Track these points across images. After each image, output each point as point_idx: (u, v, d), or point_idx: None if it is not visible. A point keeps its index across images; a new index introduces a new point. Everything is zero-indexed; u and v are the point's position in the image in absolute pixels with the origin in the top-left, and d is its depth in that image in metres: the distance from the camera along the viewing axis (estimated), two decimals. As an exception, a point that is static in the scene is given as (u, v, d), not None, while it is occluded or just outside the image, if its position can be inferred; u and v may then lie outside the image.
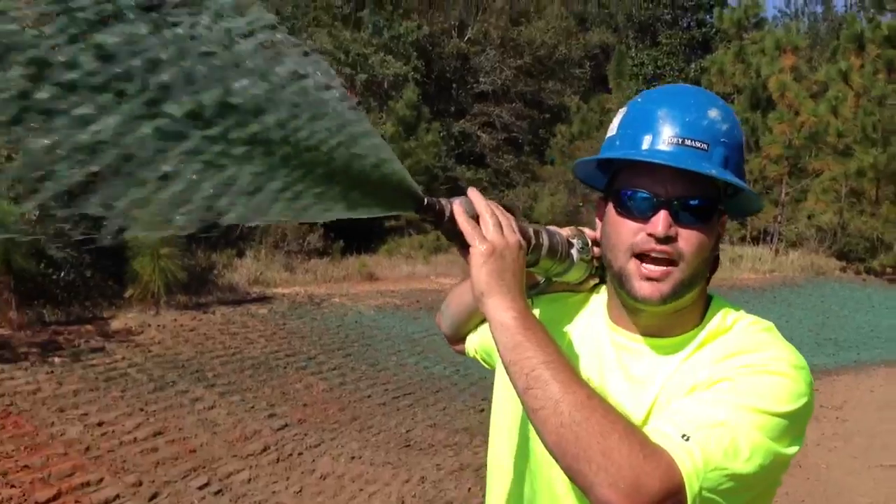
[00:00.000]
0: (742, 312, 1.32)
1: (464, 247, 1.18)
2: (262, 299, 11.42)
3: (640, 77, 29.01)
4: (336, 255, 16.24)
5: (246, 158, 0.89)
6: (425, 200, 1.14)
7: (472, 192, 1.22)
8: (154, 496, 5.32)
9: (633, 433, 1.05)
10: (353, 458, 6.40)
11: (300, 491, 5.70)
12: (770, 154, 21.77)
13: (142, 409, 6.79)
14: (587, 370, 1.35)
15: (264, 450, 6.35)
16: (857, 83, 20.86)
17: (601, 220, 1.37)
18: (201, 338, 9.11)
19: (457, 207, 1.17)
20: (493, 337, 1.15)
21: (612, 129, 1.33)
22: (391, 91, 22.70)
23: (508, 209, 1.26)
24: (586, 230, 1.45)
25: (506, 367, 1.13)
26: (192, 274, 10.90)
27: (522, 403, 1.11)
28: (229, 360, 8.53)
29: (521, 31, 29.10)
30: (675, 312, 1.29)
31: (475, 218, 1.18)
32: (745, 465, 1.08)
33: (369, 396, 8.10)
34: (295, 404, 7.57)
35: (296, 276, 13.77)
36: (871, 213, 20.87)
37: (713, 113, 1.26)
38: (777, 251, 21.74)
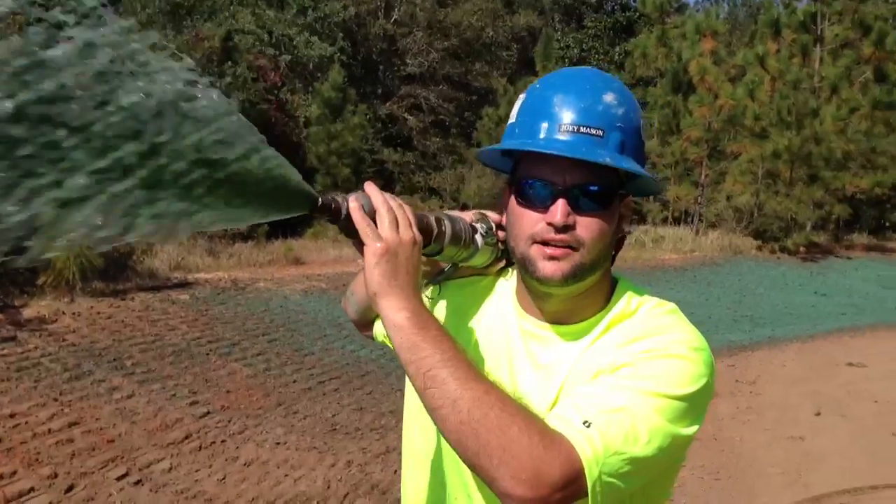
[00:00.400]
0: (646, 296, 1.34)
1: (361, 244, 1.17)
2: (184, 285, 11.21)
3: (567, 60, 29.29)
4: (261, 239, 16.03)
5: (106, 175, 0.85)
6: (319, 200, 1.13)
7: (369, 187, 1.21)
8: (70, 488, 5.20)
9: (532, 424, 1.07)
10: (277, 443, 6.36)
11: (224, 479, 5.64)
12: (691, 136, 22.28)
13: (56, 400, 6.61)
14: (496, 358, 1.37)
15: (186, 438, 6.26)
16: (774, 67, 21.48)
17: (506, 207, 1.37)
18: (119, 325, 8.91)
19: (353, 204, 1.16)
20: (389, 337, 1.15)
21: (513, 116, 1.33)
22: (317, 73, 22.44)
23: (449, 204, 1.25)
24: (489, 213, 1.44)
25: (404, 367, 1.13)
26: (110, 260, 10.61)
27: (422, 402, 1.11)
28: (149, 347, 8.36)
29: (447, 13, 29.07)
30: (580, 297, 1.30)
31: (372, 214, 1.17)
32: (644, 448, 1.11)
33: (294, 381, 8.04)
34: (218, 391, 7.47)
35: (219, 260, 13.54)
36: (785, 193, 21.54)
37: (608, 97, 1.26)
38: (698, 232, 22.29)
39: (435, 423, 1.11)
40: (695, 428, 1.20)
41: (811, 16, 22.92)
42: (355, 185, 18.84)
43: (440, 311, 1.50)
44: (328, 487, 5.60)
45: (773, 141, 20.71)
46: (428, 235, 1.28)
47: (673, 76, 23.52)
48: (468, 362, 1.12)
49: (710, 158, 22.92)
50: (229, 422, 6.71)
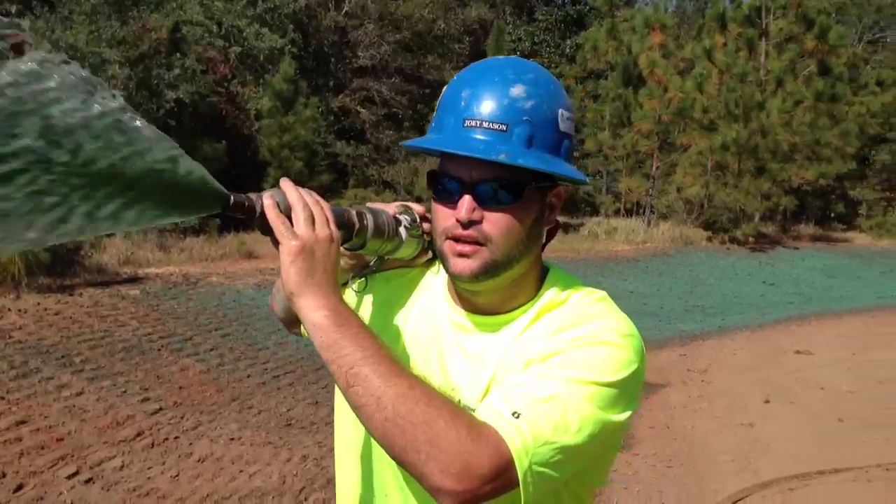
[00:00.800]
0: (577, 285, 1.36)
1: (277, 243, 1.16)
2: (134, 280, 11.01)
3: (518, 52, 29.34)
4: (213, 233, 15.81)
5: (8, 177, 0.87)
6: (231, 198, 1.11)
7: (285, 183, 1.19)
8: (19, 487, 5.08)
9: (458, 417, 1.07)
10: (232, 439, 6.29)
11: (177, 475, 5.57)
12: (642, 129, 22.53)
13: (3, 398, 6.45)
14: (426, 350, 1.36)
15: (138, 435, 6.16)
16: (721, 61, 21.83)
17: None
18: (67, 321, 8.72)
19: (267, 202, 1.14)
20: (309, 336, 1.14)
21: (437, 108, 1.33)
22: (267, 65, 22.18)
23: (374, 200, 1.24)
24: (413, 205, 1.44)
25: (327, 367, 1.12)
26: (57, 255, 10.38)
27: (347, 401, 1.11)
28: (98, 343, 8.20)
29: (398, 5, 28.92)
30: (509, 287, 1.30)
31: (288, 211, 1.15)
32: (574, 436, 1.11)
33: (249, 376, 7.97)
34: (170, 387, 7.37)
35: (170, 255, 13.33)
36: (734, 185, 21.92)
37: (516, 90, 1.23)
38: (649, 223, 22.57)
39: (361, 422, 1.10)
40: (627, 414, 1.20)
41: (756, 10, 23.33)
42: (308, 178, 18.69)
43: (367, 305, 1.48)
44: (284, 482, 5.56)
45: (721, 133, 21.06)
46: (349, 230, 1.27)
47: (623, 69, 23.75)
48: (391, 358, 1.11)
49: (660, 150, 23.21)
50: (182, 418, 6.62)
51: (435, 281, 1.45)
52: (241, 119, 19.77)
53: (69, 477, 5.30)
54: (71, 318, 8.87)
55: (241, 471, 5.70)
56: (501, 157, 1.19)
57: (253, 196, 1.14)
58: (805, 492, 6.01)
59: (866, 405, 8.36)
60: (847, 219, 28.93)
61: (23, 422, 6.07)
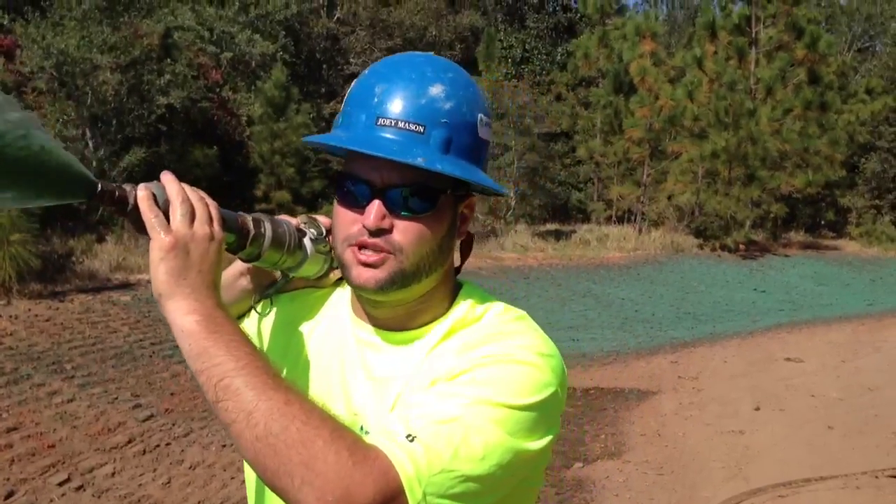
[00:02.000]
0: (494, 301, 1.23)
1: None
2: (125, 286, 10.98)
3: (509, 60, 29.43)
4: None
5: None
6: (99, 186, 1.01)
7: (166, 176, 1.08)
8: (10, 494, 5.07)
9: (340, 437, 0.95)
10: (223, 445, 6.28)
11: (169, 482, 5.56)
12: (633, 136, 22.61)
13: (-6, 405, 6.44)
14: (329, 371, 1.25)
15: (129, 442, 6.15)
16: (711, 69, 21.93)
17: None
18: (58, 328, 8.69)
19: (141, 193, 1.03)
20: (179, 345, 1.02)
21: (344, 103, 1.21)
22: (259, 70, 22.18)
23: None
24: (321, 218, 1.33)
25: (196, 377, 1.00)
26: (48, 261, 10.35)
27: (217, 418, 0.98)
28: (89, 350, 8.17)
29: (390, 11, 28.98)
30: (417, 301, 1.20)
31: (166, 206, 1.05)
32: (479, 465, 0.99)
33: (240, 383, 7.94)
34: (161, 394, 7.35)
35: (161, 261, 13.27)
36: (724, 193, 21.98)
37: (435, 90, 1.13)
38: (640, 230, 22.61)
39: (232, 441, 0.98)
40: (543, 442, 1.08)
41: (746, 19, 23.43)
42: (300, 184, 18.67)
43: (269, 327, 1.36)
44: (276, 490, 5.55)
45: (711, 141, 21.13)
46: (242, 237, 1.17)
47: (614, 77, 23.84)
48: (268, 369, 0.99)
49: (651, 158, 23.28)
50: (174, 425, 6.60)
51: (341, 297, 1.33)
52: (233, 125, 19.74)
53: (60, 484, 5.29)
54: (62, 324, 8.84)
55: (232, 478, 5.69)
56: (419, 161, 1.08)
57: (127, 187, 1.04)
58: (794, 499, 6.03)
59: (856, 412, 8.40)
60: (837, 226, 29.05)
61: (14, 428, 6.05)
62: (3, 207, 0.98)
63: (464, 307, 1.21)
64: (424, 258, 1.15)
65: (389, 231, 1.12)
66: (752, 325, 14.02)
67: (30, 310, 9.04)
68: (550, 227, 23.55)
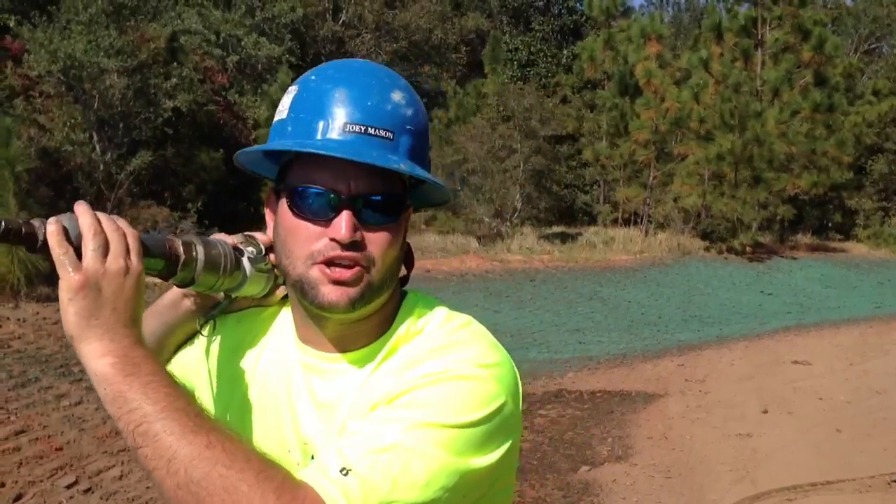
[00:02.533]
0: (436, 310, 1.17)
1: None
2: (132, 290, 11.00)
3: (515, 62, 29.45)
4: (210, 242, 15.79)
5: None
6: (2, 224, 0.94)
7: (80, 207, 1.00)
8: (18, 497, 5.08)
9: (266, 479, 0.90)
10: (229, 449, 6.28)
11: (175, 486, 5.55)
12: (638, 139, 22.56)
13: (1, 408, 6.44)
14: (277, 401, 1.20)
15: (136, 445, 6.14)
16: (717, 71, 21.89)
17: (272, 217, 1.18)
18: (66, 331, 8.71)
19: (52, 228, 0.96)
20: (96, 389, 0.97)
21: (283, 111, 1.14)
22: (265, 74, 22.24)
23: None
24: (259, 235, 1.27)
25: (115, 423, 0.96)
26: (56, 265, 10.39)
27: (138, 464, 0.95)
28: (97, 353, 8.18)
29: (396, 14, 29.04)
30: (364, 319, 1.14)
31: (79, 240, 0.98)
32: (421, 492, 0.95)
33: (246, 386, 7.95)
34: (168, 397, 7.35)
35: (168, 264, 13.30)
36: (731, 195, 21.92)
37: (397, 96, 1.10)
38: (646, 233, 22.58)
39: (154, 488, 0.98)
40: (496, 455, 1.04)
41: (752, 20, 23.39)
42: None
43: (216, 352, 1.30)
44: (282, 493, 5.55)
45: (717, 143, 21.09)
46: (171, 263, 1.12)
47: (620, 79, 23.80)
48: (189, 410, 0.94)
49: (657, 160, 23.24)
50: (180, 429, 6.61)
51: (286, 318, 1.26)
52: (239, 128, 19.79)
53: (68, 486, 5.30)
54: (69, 327, 8.85)
55: (239, 481, 5.69)
56: (402, 167, 1.06)
57: (35, 222, 0.97)
58: (802, 503, 6.01)
59: (863, 415, 8.37)
60: (844, 228, 28.95)
61: (22, 431, 6.06)
62: None
63: (407, 322, 1.16)
64: (389, 269, 1.12)
65: (362, 243, 1.07)
66: (759, 327, 13.98)
67: (38, 313, 9.06)
68: (556, 229, 23.53)
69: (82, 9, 15.47)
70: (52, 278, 10.05)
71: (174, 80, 16.26)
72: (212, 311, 1.29)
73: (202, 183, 16.87)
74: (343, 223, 1.05)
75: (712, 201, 22.20)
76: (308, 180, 1.08)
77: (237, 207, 17.81)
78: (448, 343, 1.09)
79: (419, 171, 1.08)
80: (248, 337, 1.28)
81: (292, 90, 1.15)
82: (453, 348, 1.08)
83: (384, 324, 1.16)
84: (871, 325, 14.74)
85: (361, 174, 1.06)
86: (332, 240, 1.06)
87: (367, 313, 1.13)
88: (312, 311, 1.13)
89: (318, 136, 1.07)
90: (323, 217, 1.07)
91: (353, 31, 27.88)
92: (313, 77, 1.14)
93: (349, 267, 1.07)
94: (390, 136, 1.08)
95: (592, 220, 25.92)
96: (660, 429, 7.79)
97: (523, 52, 30.17)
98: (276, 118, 1.15)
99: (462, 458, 0.99)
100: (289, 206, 1.10)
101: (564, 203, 26.57)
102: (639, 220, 23.85)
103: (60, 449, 5.87)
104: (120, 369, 0.94)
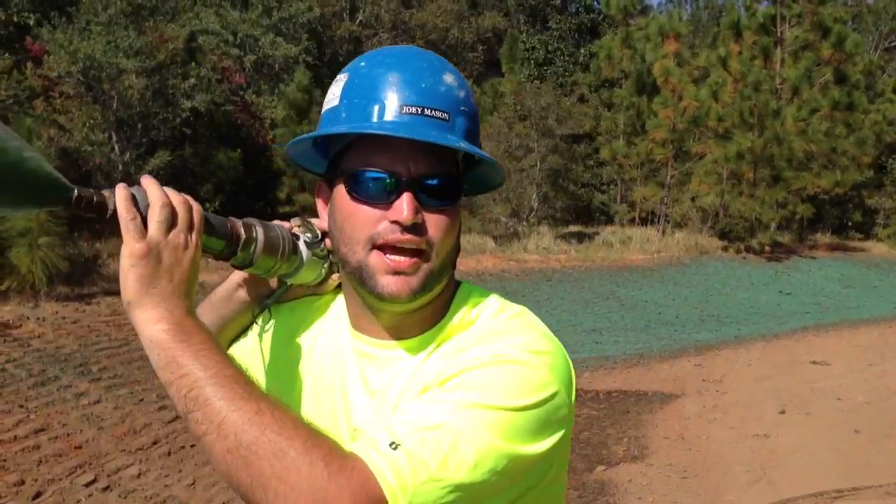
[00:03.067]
0: (490, 300, 1.17)
1: None
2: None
3: (532, 61, 29.41)
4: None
5: None
6: (75, 192, 0.98)
7: (147, 181, 1.03)
8: (38, 495, 5.13)
9: (315, 448, 0.90)
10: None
11: (193, 483, 5.60)
12: (656, 138, 22.46)
13: (21, 406, 6.52)
14: (331, 388, 1.20)
15: (154, 443, 6.20)
16: (736, 69, 21.75)
17: (325, 207, 1.19)
18: (85, 330, 8.79)
19: (122, 194, 1.00)
20: (148, 355, 0.98)
21: (333, 98, 1.13)
22: (282, 74, 22.32)
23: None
24: (315, 220, 1.26)
25: (166, 389, 0.97)
26: (75, 264, 10.48)
27: (188, 431, 0.96)
28: (116, 352, 8.26)
29: (412, 13, 29.07)
30: (420, 308, 1.13)
31: (146, 211, 1.01)
32: (470, 473, 0.94)
33: (263, 385, 7.99)
34: (186, 396, 7.40)
35: (186, 263, 13.37)
36: (749, 194, 21.80)
37: (449, 78, 1.10)
38: (664, 232, 22.50)
39: (204, 453, 0.94)
40: (547, 444, 1.02)
41: (771, 18, 23.25)
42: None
43: (269, 341, 1.30)
44: (299, 491, 5.57)
45: (736, 142, 20.96)
46: (232, 243, 1.12)
47: (637, 77, 23.71)
48: (239, 378, 0.95)
49: (675, 159, 23.13)
50: (198, 427, 6.65)
51: (340, 306, 1.26)
52: (256, 128, 19.88)
53: (87, 485, 5.35)
54: (89, 326, 8.95)
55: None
56: (462, 146, 1.05)
57: (106, 192, 1.00)
58: None
59: (882, 416, 8.30)
60: (864, 228, 28.69)
61: (41, 430, 6.13)
62: None
63: (459, 310, 1.15)
64: (448, 255, 1.11)
65: (422, 226, 1.06)
66: (777, 327, 13.89)
67: (57, 312, 9.15)
68: (573, 229, 23.48)
69: (101, 10, 15.59)
70: (71, 278, 10.15)
71: (192, 81, 16.35)
72: (266, 300, 1.29)
73: (220, 182, 16.96)
74: (405, 204, 1.04)
75: (730, 200, 22.08)
76: (366, 163, 1.07)
77: (255, 207, 17.89)
78: (499, 330, 1.09)
79: (480, 151, 1.08)
80: (303, 325, 1.28)
81: (341, 78, 1.14)
82: (504, 334, 1.07)
83: (439, 312, 1.16)
84: (891, 326, 14.60)
85: (420, 156, 1.05)
86: (394, 222, 1.05)
87: (424, 302, 1.12)
88: (369, 300, 1.13)
89: (374, 119, 1.06)
90: (383, 200, 1.06)
91: (370, 31, 27.94)
92: (363, 63, 1.13)
93: (408, 255, 1.06)
94: (446, 116, 1.07)
95: (609, 220, 25.83)
96: (676, 429, 7.76)
97: (540, 51, 30.12)
98: (327, 107, 1.14)
99: (511, 442, 0.97)
100: (347, 190, 1.09)
101: (581, 202, 26.50)
102: (656, 220, 23.75)
103: (79, 447, 5.93)
104: (174, 335, 0.96)
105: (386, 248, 1.06)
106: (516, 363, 1.02)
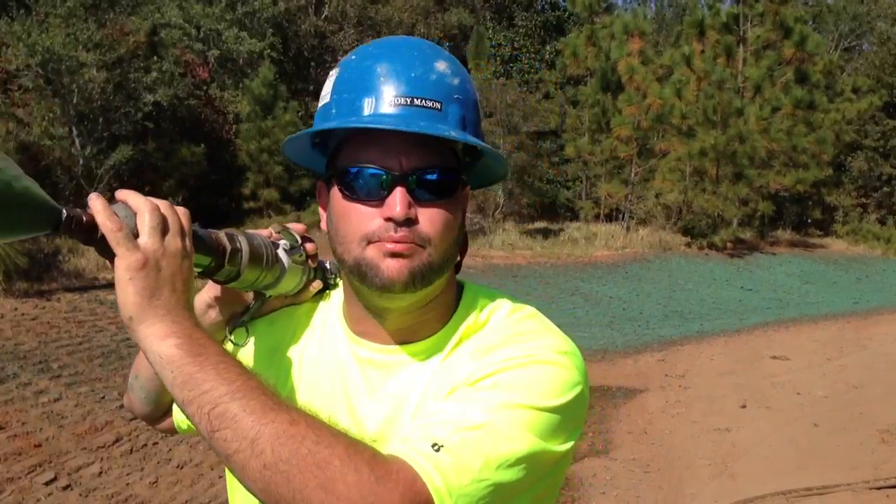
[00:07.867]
0: (500, 300, 1.15)
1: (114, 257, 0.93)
2: (112, 285, 10.90)
3: (499, 58, 29.44)
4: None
5: None
6: (63, 213, 0.89)
7: (124, 192, 0.97)
8: (-5, 495, 5.05)
9: (358, 454, 0.87)
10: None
11: (156, 481, 5.54)
12: (620, 135, 22.63)
13: (-21, 405, 6.41)
14: (330, 397, 1.14)
15: (116, 441, 6.12)
16: (699, 67, 21.99)
17: (325, 208, 1.14)
18: (45, 327, 8.65)
19: (99, 207, 0.92)
20: (158, 374, 0.91)
21: (325, 95, 1.10)
22: (246, 68, 22.12)
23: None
24: (293, 225, 1.21)
25: (182, 409, 0.90)
26: (34, 260, 10.30)
27: (213, 449, 0.89)
28: (76, 349, 8.14)
29: (378, 9, 28.96)
30: (425, 308, 1.11)
31: (133, 220, 0.94)
32: (509, 472, 0.94)
33: (227, 382, 7.93)
34: (148, 393, 7.32)
35: (148, 260, 13.22)
36: (712, 191, 22.06)
37: (441, 66, 1.06)
38: (628, 228, 22.67)
39: (234, 474, 0.88)
40: (569, 444, 1.03)
41: (734, 17, 23.54)
42: (288, 182, 18.63)
43: (250, 358, 1.22)
44: (263, 489, 5.54)
45: (699, 139, 21.20)
46: (219, 255, 1.05)
47: (602, 75, 23.86)
48: (264, 389, 0.90)
49: (639, 156, 23.32)
50: (160, 424, 6.58)
51: (328, 312, 1.22)
52: (220, 123, 19.70)
53: (47, 483, 5.27)
54: (48, 323, 8.80)
55: (220, 476, 5.68)
56: (452, 135, 1.02)
57: (77, 210, 0.92)
58: None
59: (841, 410, 8.45)
60: (824, 225, 29.21)
61: (0, 428, 6.02)
62: None
63: (470, 311, 1.13)
64: (448, 249, 1.07)
65: (416, 221, 1.03)
66: (738, 323, 14.08)
67: (16, 309, 8.99)
68: (538, 225, 23.57)
69: (60, 2, 15.31)
70: (30, 274, 9.98)
71: (154, 75, 16.14)
72: (241, 317, 1.22)
73: (183, 178, 16.76)
74: (397, 200, 1.01)
75: (693, 197, 22.32)
76: (357, 160, 1.04)
77: (218, 203, 17.74)
78: (523, 330, 1.08)
79: (471, 139, 1.04)
80: (286, 336, 1.22)
81: (333, 73, 1.11)
82: (530, 336, 1.07)
83: (445, 315, 1.13)
84: (849, 321, 14.88)
85: (412, 149, 1.02)
86: (387, 219, 1.02)
87: (426, 298, 1.09)
88: (373, 301, 1.09)
89: (365, 113, 1.03)
90: (375, 197, 1.03)
91: (336, 26, 27.78)
92: (353, 56, 1.10)
93: (404, 244, 1.02)
94: (438, 105, 1.03)
95: (574, 216, 25.98)
96: (640, 423, 7.84)
97: (506, 48, 30.18)
98: (320, 104, 1.11)
99: (545, 441, 0.98)
100: (339, 189, 1.06)
101: (547, 199, 26.61)
102: (621, 216, 23.93)
103: (39, 446, 5.84)
104: (187, 350, 0.90)
105: (382, 242, 1.04)
106: (549, 364, 1.02)
